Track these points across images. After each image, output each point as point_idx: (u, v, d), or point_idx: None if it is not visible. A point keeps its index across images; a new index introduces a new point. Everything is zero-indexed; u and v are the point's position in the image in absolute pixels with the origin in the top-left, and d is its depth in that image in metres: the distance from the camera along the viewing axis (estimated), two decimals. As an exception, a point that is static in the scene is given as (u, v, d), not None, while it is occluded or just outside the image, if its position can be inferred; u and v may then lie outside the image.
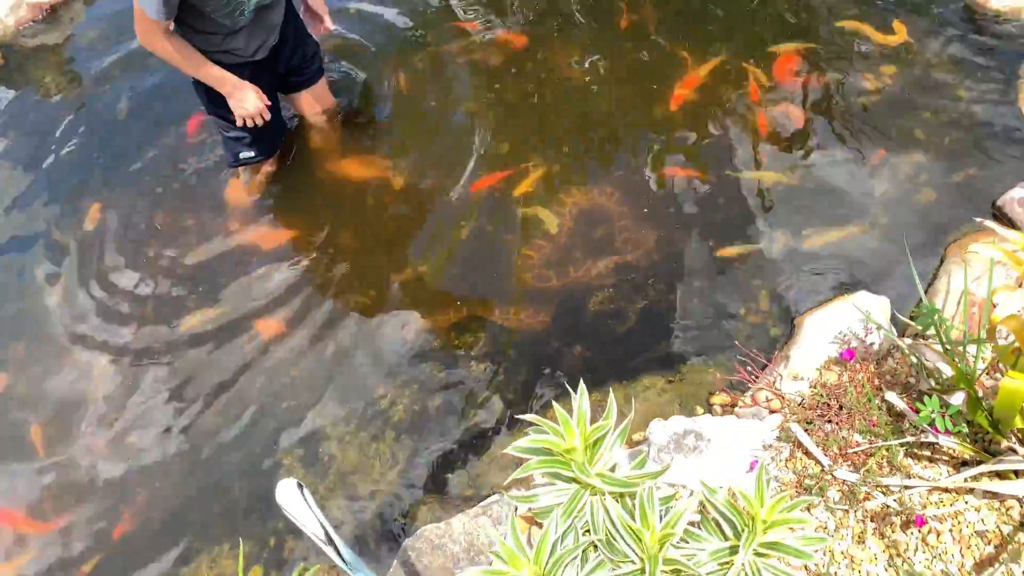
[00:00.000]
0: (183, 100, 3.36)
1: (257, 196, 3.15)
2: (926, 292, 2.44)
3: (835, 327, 2.29)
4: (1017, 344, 1.68)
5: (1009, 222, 2.49)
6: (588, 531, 1.44)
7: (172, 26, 2.50)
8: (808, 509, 1.93)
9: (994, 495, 1.88)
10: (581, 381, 1.44)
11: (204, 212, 3.15)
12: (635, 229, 2.80)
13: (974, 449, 1.89)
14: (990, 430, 1.86)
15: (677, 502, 1.40)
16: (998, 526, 1.84)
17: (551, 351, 2.58)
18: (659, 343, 2.55)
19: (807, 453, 2.05)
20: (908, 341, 2.21)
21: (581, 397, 1.41)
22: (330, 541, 1.23)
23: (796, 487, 2.00)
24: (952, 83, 2.96)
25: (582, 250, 2.79)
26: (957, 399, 1.88)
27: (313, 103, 3.16)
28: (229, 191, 3.18)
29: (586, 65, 3.31)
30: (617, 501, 1.45)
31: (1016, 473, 1.87)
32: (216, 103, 2.76)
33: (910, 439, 1.94)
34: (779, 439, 2.09)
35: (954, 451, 1.95)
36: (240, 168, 3.09)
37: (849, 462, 2.01)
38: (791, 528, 1.55)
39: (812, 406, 2.13)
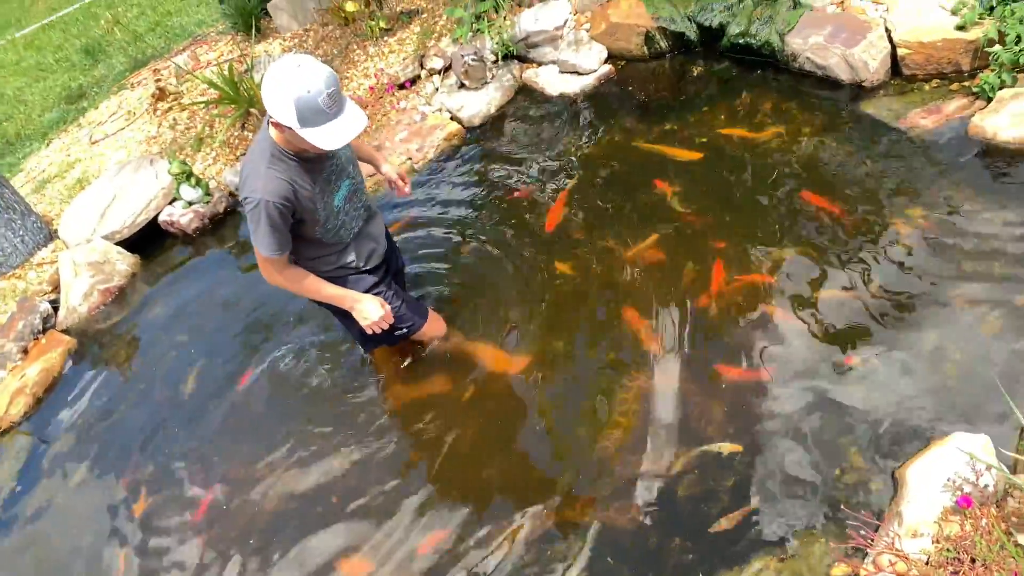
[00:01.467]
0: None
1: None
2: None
3: (942, 474, 2.18)
4: None
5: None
6: None
7: (289, 258, 2.67)
8: None
9: None
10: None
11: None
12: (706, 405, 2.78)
13: None
14: None
15: None
16: None
17: (650, 548, 2.47)
18: (759, 521, 2.43)
19: (951, 618, 1.89)
20: (1024, 477, 2.09)
21: None
22: None
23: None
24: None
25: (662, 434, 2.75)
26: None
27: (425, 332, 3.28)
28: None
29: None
30: None
31: None
32: (346, 316, 2.90)
33: (1060, 585, 1.78)
34: (916, 607, 1.93)
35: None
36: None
37: (999, 622, 1.84)
38: None
39: (941, 563, 1.99)
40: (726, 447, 2.64)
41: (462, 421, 3.08)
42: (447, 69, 4.82)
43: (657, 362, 2.98)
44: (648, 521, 2.54)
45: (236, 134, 5.15)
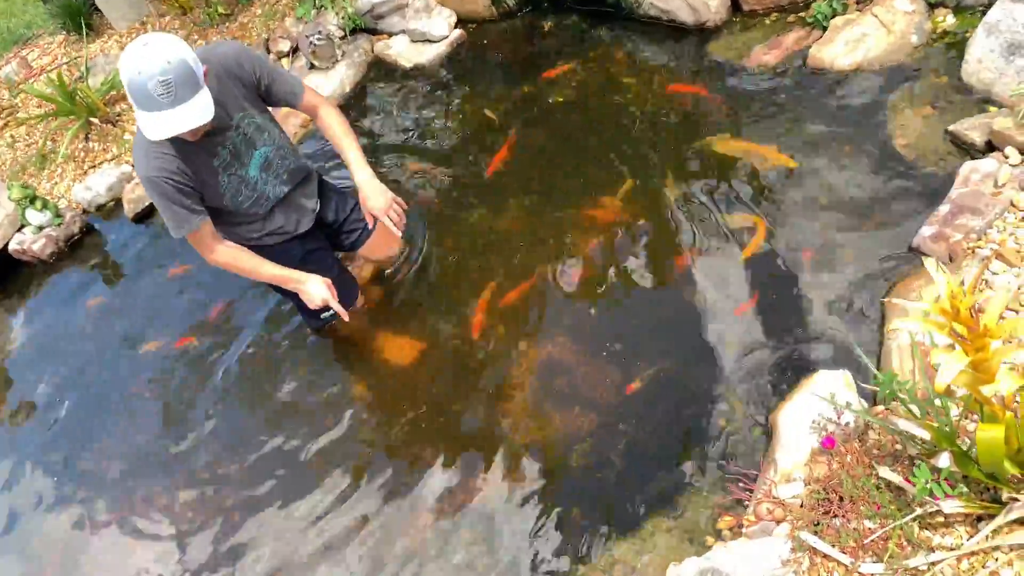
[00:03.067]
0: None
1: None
2: (879, 352, 2.46)
3: (808, 416, 2.27)
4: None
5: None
6: None
7: (212, 229, 2.55)
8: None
9: (1021, 546, 1.82)
10: None
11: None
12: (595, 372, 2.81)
13: (982, 504, 1.84)
14: (987, 481, 1.82)
15: None
16: (1035, 574, 1.78)
17: (551, 517, 2.51)
18: (651, 482, 2.50)
19: (827, 557, 1.98)
20: (880, 409, 2.19)
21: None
22: None
23: (828, 596, 1.92)
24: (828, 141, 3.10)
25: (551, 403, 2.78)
26: (944, 460, 1.85)
27: (372, 254, 3.26)
28: None
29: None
30: None
31: (1028, 517, 1.82)
32: (288, 293, 2.86)
33: (919, 511, 1.89)
34: (794, 551, 2.02)
35: (967, 510, 1.90)
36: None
37: (870, 552, 1.94)
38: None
39: (813, 505, 2.08)
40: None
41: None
42: (295, 51, 4.62)
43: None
44: (546, 495, 2.58)
45: (80, 146, 4.83)
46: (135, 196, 4.41)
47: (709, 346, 2.72)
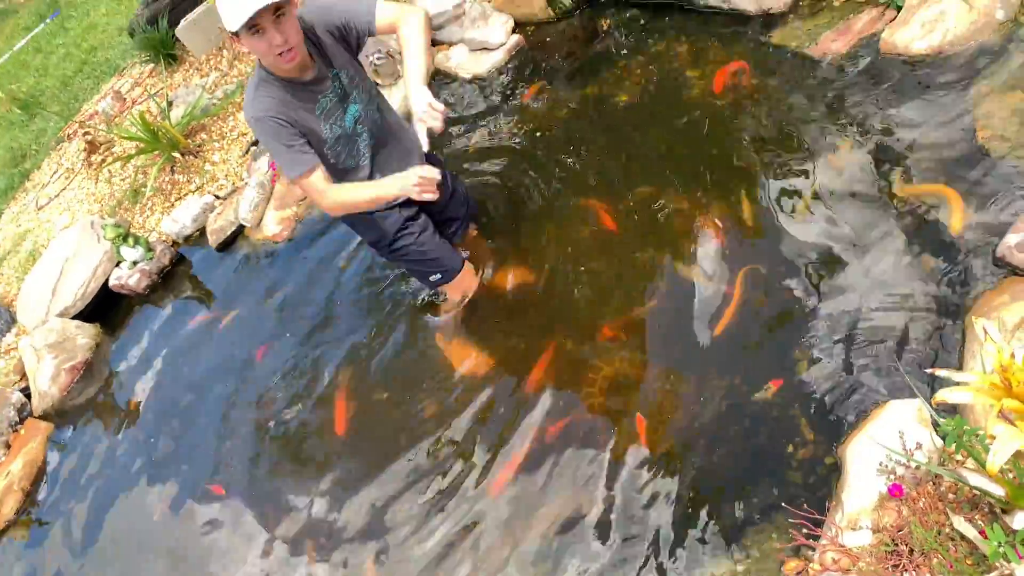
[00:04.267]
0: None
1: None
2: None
3: (877, 453, 2.11)
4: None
5: (1014, 271, 2.32)
6: None
7: (324, 172, 2.61)
8: None
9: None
10: None
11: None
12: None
13: (1065, 568, 1.66)
14: (1073, 540, 1.64)
15: None
16: None
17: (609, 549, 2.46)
18: (714, 521, 2.39)
19: (895, 617, 1.85)
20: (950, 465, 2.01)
21: None
22: None
23: (898, 660, 1.78)
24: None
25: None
26: (1020, 521, 1.68)
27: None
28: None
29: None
30: None
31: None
32: (389, 240, 2.96)
33: (996, 573, 1.73)
34: (860, 609, 1.89)
35: (1050, 567, 1.72)
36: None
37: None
38: None
39: (882, 557, 1.94)
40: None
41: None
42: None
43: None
44: (607, 532, 2.52)
45: (167, 179, 5.05)
46: (217, 226, 4.58)
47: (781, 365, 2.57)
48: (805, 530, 2.13)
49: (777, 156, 3.08)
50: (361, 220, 2.95)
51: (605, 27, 4.18)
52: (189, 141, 4.99)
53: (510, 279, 3.37)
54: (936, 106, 2.87)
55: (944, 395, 1.42)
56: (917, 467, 2.01)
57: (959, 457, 1.94)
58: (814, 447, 2.39)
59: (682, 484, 2.51)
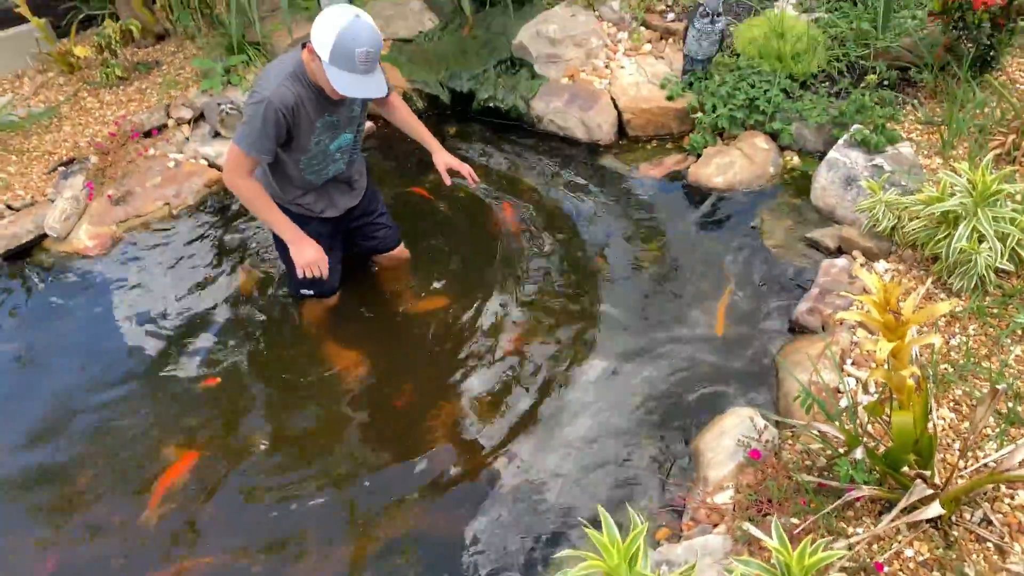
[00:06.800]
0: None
1: (314, 328, 3.48)
2: (776, 398, 2.93)
3: (731, 438, 2.64)
4: (879, 399, 2.12)
5: (804, 331, 3.13)
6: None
7: (257, 170, 2.83)
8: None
9: (915, 526, 2.24)
10: (600, 506, 1.59)
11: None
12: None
13: (886, 492, 2.26)
14: (890, 471, 2.25)
15: None
16: (931, 552, 2.19)
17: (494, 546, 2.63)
18: (593, 501, 2.70)
19: (762, 547, 2.29)
20: (797, 426, 2.61)
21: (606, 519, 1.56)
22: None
23: (768, 578, 2.21)
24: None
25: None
26: (859, 453, 2.27)
27: (384, 260, 3.61)
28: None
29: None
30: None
31: (921, 501, 2.26)
32: (283, 246, 3.02)
33: (838, 503, 2.27)
34: (736, 541, 2.31)
35: (873, 499, 2.31)
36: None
37: (798, 542, 2.27)
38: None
39: (747, 506, 2.41)
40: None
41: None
42: (199, 118, 4.68)
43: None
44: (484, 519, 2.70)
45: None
46: (8, 233, 4.13)
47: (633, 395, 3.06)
48: (679, 497, 2.56)
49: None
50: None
51: (452, 133, 4.75)
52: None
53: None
54: (733, 223, 3.77)
55: (843, 315, 2.00)
56: (767, 442, 2.57)
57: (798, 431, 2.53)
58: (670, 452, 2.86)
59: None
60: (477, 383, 3.16)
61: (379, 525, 2.70)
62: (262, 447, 2.99)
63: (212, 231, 4.08)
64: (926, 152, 3.76)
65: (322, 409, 3.13)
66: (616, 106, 4.43)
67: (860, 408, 2.60)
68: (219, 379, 3.25)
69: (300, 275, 3.00)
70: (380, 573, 2.57)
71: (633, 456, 2.84)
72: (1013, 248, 3.00)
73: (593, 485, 2.75)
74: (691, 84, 4.33)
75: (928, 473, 2.25)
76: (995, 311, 2.94)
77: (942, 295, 3.08)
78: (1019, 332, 2.85)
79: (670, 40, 4.75)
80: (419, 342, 3.37)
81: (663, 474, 2.74)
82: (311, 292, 3.32)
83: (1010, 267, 2.98)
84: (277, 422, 3.12)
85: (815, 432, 2.41)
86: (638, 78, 4.50)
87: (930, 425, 2.25)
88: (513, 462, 2.85)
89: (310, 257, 2.95)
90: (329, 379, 3.24)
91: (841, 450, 2.37)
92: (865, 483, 2.24)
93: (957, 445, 2.50)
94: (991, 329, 2.89)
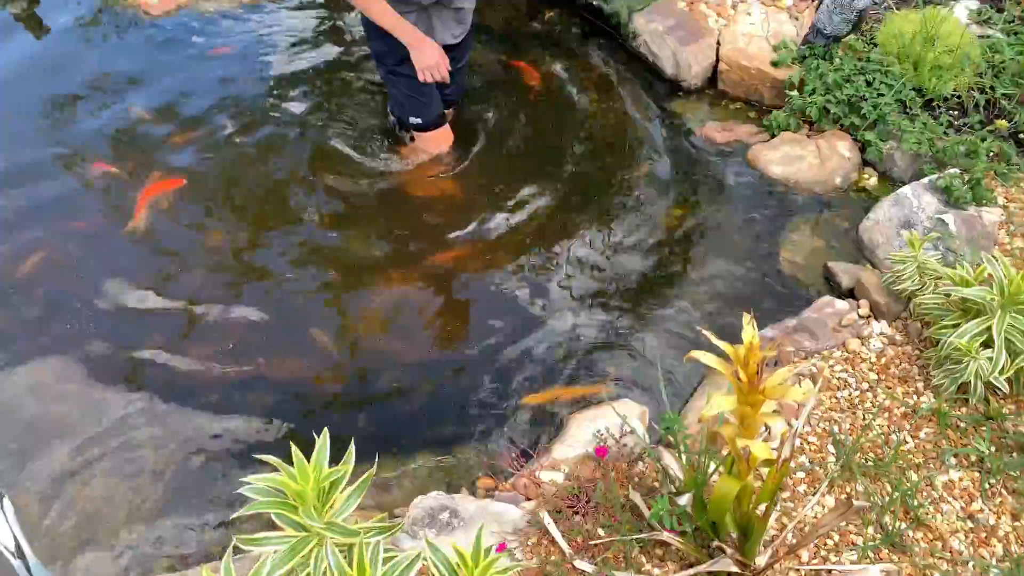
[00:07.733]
0: None
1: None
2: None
3: (597, 426, 2.45)
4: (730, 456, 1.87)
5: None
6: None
7: None
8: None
9: (710, 595, 2.04)
10: (325, 428, 1.48)
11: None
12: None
13: (696, 549, 2.05)
14: (710, 533, 2.03)
15: (398, 556, 1.44)
16: (710, 624, 1.99)
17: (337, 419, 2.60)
18: (439, 425, 2.62)
19: (552, 541, 2.15)
20: (656, 446, 2.39)
21: (323, 440, 1.45)
22: (21, 555, 1.17)
23: (539, 573, 2.08)
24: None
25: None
26: (684, 500, 2.05)
27: None
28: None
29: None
30: (345, 555, 1.47)
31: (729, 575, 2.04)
32: (398, 60, 2.96)
33: (644, 536, 2.08)
34: (529, 524, 2.18)
35: (682, 552, 2.11)
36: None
37: (590, 553, 2.12)
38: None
39: (564, 497, 2.25)
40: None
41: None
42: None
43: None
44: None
45: None
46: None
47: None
48: (515, 455, 2.43)
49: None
50: (379, 30, 2.92)
51: (545, 17, 4.45)
52: None
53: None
54: (760, 220, 3.40)
55: (694, 354, 1.74)
56: (625, 446, 2.37)
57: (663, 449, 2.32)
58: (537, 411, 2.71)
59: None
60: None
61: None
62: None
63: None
64: (1012, 229, 3.23)
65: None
66: (717, 52, 3.99)
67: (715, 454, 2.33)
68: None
69: (421, 79, 2.93)
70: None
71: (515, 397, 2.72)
72: (1022, 367, 2.56)
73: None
74: (804, 58, 3.83)
75: (747, 551, 2.02)
76: (961, 426, 2.55)
77: (920, 384, 2.70)
78: (971, 457, 2.48)
79: (814, 2, 4.20)
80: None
81: (518, 426, 2.61)
82: (419, 122, 3.23)
83: (1004, 386, 2.56)
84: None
85: (656, 458, 2.19)
86: (757, 31, 4.02)
87: (777, 508, 2.00)
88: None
89: (430, 60, 2.87)
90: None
91: (674, 487, 2.16)
92: (671, 529, 2.03)
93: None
94: (943, 442, 2.52)
